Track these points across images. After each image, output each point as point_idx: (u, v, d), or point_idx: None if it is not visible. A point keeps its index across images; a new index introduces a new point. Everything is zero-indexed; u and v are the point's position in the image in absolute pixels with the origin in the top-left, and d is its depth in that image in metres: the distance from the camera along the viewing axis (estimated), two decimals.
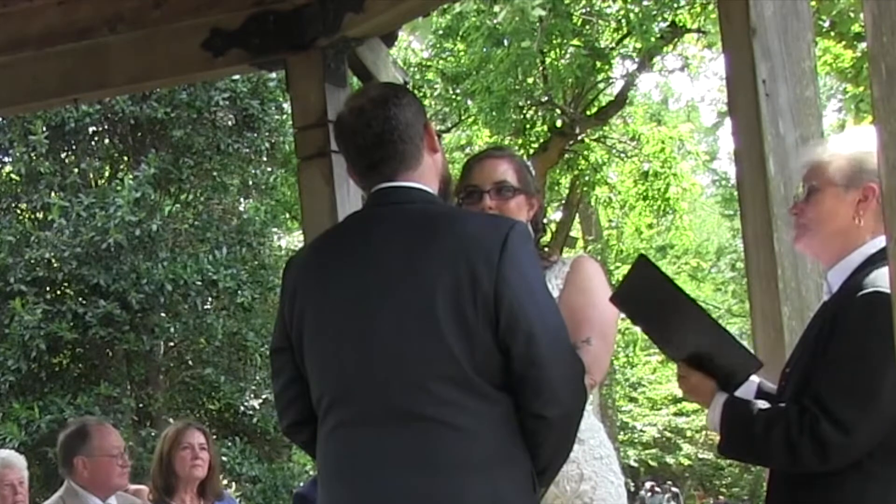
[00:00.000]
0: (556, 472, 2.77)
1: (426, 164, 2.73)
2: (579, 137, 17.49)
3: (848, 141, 2.67)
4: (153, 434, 9.70)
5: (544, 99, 16.31)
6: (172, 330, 10.51)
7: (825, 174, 2.62)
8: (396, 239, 2.64)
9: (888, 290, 2.35)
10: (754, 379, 2.72)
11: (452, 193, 2.90)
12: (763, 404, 2.62)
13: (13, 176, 10.94)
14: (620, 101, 17.59)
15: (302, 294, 2.72)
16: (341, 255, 2.71)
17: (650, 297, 2.63)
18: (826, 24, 11.52)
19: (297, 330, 2.71)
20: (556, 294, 3.12)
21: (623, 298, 2.77)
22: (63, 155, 10.99)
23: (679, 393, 2.89)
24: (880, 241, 2.56)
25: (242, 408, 10.79)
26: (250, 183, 11.55)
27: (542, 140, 16.85)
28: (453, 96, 17.29)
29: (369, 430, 2.58)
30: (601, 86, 17.31)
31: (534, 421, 2.57)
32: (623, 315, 2.90)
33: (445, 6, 13.61)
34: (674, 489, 30.84)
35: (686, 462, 31.59)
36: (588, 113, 17.13)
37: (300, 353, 2.72)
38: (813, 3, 9.05)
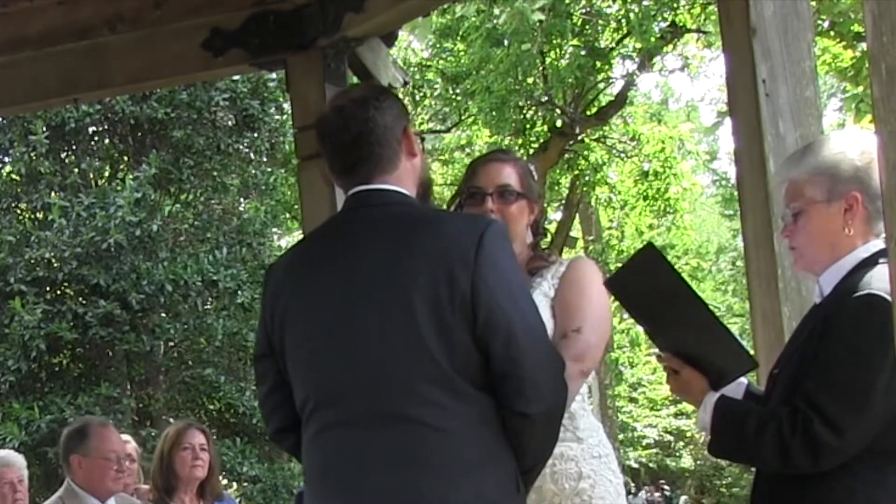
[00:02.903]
0: (540, 471, 2.77)
1: (404, 168, 2.73)
2: (579, 137, 17.50)
3: (818, 152, 2.65)
4: (153, 434, 9.70)
5: (544, 99, 16.31)
6: (172, 330, 10.51)
7: (805, 194, 2.61)
8: (375, 242, 2.65)
9: (882, 293, 2.37)
10: (742, 381, 2.71)
11: (431, 196, 2.90)
12: (754, 405, 2.62)
13: (13, 176, 10.94)
14: (620, 101, 17.60)
15: (283, 299, 2.73)
16: (320, 259, 2.71)
17: (651, 284, 2.62)
18: (826, 24, 11.51)
19: (279, 335, 2.72)
20: (551, 293, 3.12)
21: (620, 283, 2.76)
22: (63, 155, 11.00)
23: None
24: (872, 246, 2.57)
25: (242, 408, 10.78)
26: (250, 183, 11.55)
27: (542, 140, 16.86)
28: (453, 96, 17.31)
29: (352, 432, 2.59)
30: (601, 86, 17.32)
31: (517, 419, 2.57)
32: (616, 302, 2.89)
33: (445, 6, 13.62)
34: (666, 491, 30.87)
35: (686, 463, 31.61)
36: (588, 113, 17.14)
37: (283, 358, 2.73)
38: (813, 3, 9.05)
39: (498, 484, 2.57)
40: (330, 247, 2.72)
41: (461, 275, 2.53)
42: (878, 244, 2.57)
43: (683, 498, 30.84)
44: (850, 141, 2.64)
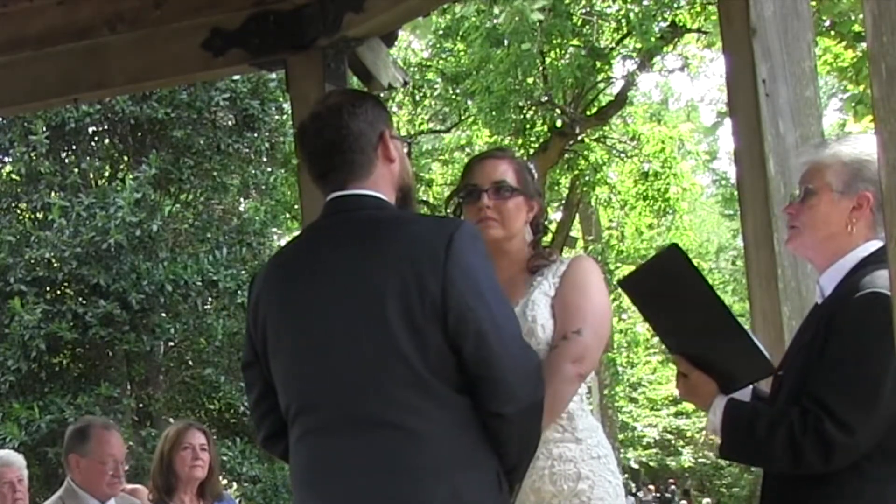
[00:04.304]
0: (526, 468, 2.78)
1: (380, 174, 2.74)
2: (579, 137, 17.50)
3: (850, 145, 2.66)
4: (153, 434, 9.70)
5: (544, 99, 16.30)
6: (172, 330, 10.51)
7: (823, 178, 2.62)
8: (346, 247, 2.66)
9: (885, 291, 2.36)
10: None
11: (413, 201, 2.90)
12: (763, 407, 2.62)
13: (13, 176, 10.94)
14: (620, 101, 17.59)
15: (263, 307, 2.76)
16: (297, 266, 2.74)
17: (671, 286, 2.61)
18: (826, 24, 11.51)
19: (262, 343, 2.75)
20: (552, 292, 3.12)
21: (638, 281, 2.75)
22: (63, 155, 10.99)
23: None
24: (872, 245, 2.58)
25: (242, 408, 10.77)
26: (250, 183, 11.54)
27: (542, 140, 16.86)
28: (453, 96, 17.30)
29: (331, 437, 2.60)
30: (601, 86, 17.31)
31: (493, 420, 2.57)
32: (615, 302, 2.89)
33: (445, 6, 13.62)
34: (671, 491, 30.86)
35: (686, 463, 31.62)
36: (588, 113, 17.14)
37: (267, 365, 2.75)
38: (813, 3, 9.06)
39: (476, 485, 2.57)
40: (306, 253, 2.75)
41: (430, 277, 2.54)
42: (877, 244, 2.57)
43: (706, 501, 30.75)
44: None
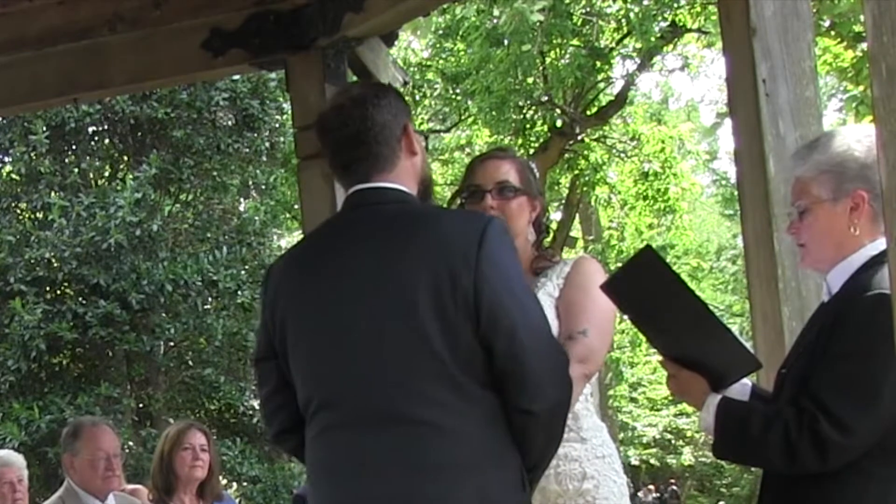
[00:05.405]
0: (546, 467, 2.77)
1: (403, 166, 2.72)
2: (579, 137, 17.50)
3: (824, 150, 2.63)
4: (153, 434, 9.70)
5: (544, 99, 16.31)
6: (172, 330, 10.50)
7: (811, 193, 2.60)
8: (374, 240, 2.63)
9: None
10: (747, 382, 2.69)
11: (432, 195, 2.89)
12: (758, 405, 2.61)
13: (13, 176, 10.94)
14: (620, 100, 17.60)
15: (283, 301, 2.73)
16: (318, 260, 2.71)
17: (649, 287, 2.59)
18: (826, 24, 11.51)
19: (281, 337, 2.72)
20: (556, 294, 3.12)
21: (618, 285, 2.74)
22: (63, 155, 11.00)
23: None
24: (881, 244, 2.55)
25: (242, 408, 10.79)
26: (250, 183, 11.55)
27: (542, 140, 16.86)
28: (453, 96, 17.30)
29: (354, 432, 2.58)
30: (601, 86, 17.32)
31: (520, 416, 2.57)
32: (614, 306, 2.88)
33: (445, 6, 13.62)
34: (672, 490, 30.86)
35: (686, 462, 31.63)
36: (588, 113, 17.14)
37: (285, 359, 2.72)
38: (813, 3, 9.05)
39: (502, 483, 2.56)
40: (329, 246, 2.71)
41: (463, 273, 2.52)
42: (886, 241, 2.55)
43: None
44: (856, 137, 2.61)
